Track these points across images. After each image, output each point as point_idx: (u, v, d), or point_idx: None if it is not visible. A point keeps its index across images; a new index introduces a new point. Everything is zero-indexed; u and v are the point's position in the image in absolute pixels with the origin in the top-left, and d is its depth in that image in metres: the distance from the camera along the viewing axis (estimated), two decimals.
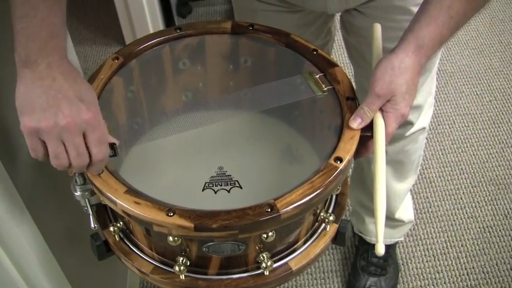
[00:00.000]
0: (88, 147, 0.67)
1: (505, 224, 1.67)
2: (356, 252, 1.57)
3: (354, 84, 0.84)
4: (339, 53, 2.22)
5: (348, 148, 0.74)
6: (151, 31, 1.99)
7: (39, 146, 0.67)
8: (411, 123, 1.19)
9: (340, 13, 1.11)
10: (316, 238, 0.82)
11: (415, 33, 0.77)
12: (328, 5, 1.02)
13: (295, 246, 0.80)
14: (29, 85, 0.66)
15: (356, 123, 0.77)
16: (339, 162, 0.72)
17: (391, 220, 1.44)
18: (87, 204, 0.79)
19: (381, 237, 0.71)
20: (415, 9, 0.97)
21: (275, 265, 0.77)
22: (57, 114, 0.65)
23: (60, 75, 0.66)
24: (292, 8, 1.06)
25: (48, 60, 0.66)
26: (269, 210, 0.67)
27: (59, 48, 0.68)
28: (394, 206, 1.40)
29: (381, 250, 0.70)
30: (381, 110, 0.78)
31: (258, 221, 0.66)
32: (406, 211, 1.46)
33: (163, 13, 2.19)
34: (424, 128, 1.25)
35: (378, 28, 0.88)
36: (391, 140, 1.07)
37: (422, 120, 1.22)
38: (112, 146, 0.71)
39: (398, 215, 1.43)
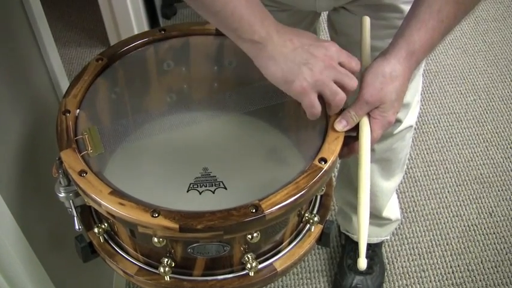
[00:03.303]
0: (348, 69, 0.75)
1: (489, 222, 1.68)
2: (342, 251, 1.58)
3: None
4: None
5: (332, 149, 0.75)
6: (136, 33, 1.98)
7: (316, 100, 0.73)
8: (399, 121, 1.19)
9: (327, 13, 1.11)
10: (301, 239, 0.82)
11: (406, 39, 0.77)
12: (318, 3, 1.01)
13: (280, 247, 0.80)
14: (277, 56, 0.72)
15: (341, 126, 0.77)
16: (323, 163, 0.73)
17: (379, 218, 1.45)
18: (72, 205, 0.79)
19: (363, 252, 0.71)
20: (405, 6, 0.97)
21: (260, 266, 0.77)
22: (316, 61, 0.72)
23: (291, 34, 0.73)
24: (280, 7, 1.05)
25: (273, 28, 0.73)
26: (254, 211, 0.67)
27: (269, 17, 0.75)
28: (381, 204, 1.41)
29: (362, 265, 0.71)
30: (368, 114, 0.78)
31: (243, 222, 0.66)
32: (393, 209, 1.47)
33: (148, 15, 2.18)
34: (411, 126, 1.25)
35: (366, 21, 0.88)
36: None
37: (410, 118, 1.22)
38: None
39: (385, 213, 1.44)
